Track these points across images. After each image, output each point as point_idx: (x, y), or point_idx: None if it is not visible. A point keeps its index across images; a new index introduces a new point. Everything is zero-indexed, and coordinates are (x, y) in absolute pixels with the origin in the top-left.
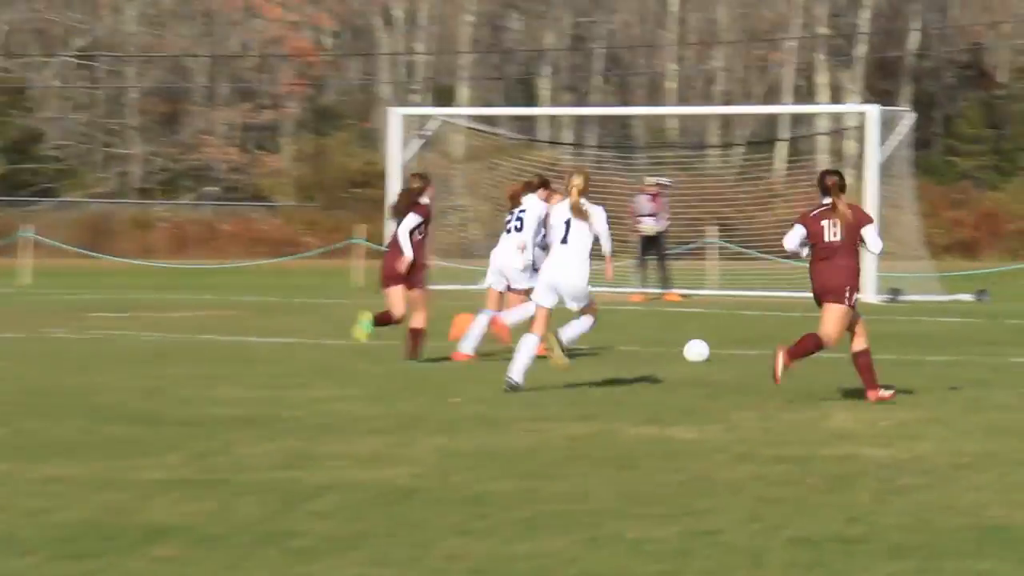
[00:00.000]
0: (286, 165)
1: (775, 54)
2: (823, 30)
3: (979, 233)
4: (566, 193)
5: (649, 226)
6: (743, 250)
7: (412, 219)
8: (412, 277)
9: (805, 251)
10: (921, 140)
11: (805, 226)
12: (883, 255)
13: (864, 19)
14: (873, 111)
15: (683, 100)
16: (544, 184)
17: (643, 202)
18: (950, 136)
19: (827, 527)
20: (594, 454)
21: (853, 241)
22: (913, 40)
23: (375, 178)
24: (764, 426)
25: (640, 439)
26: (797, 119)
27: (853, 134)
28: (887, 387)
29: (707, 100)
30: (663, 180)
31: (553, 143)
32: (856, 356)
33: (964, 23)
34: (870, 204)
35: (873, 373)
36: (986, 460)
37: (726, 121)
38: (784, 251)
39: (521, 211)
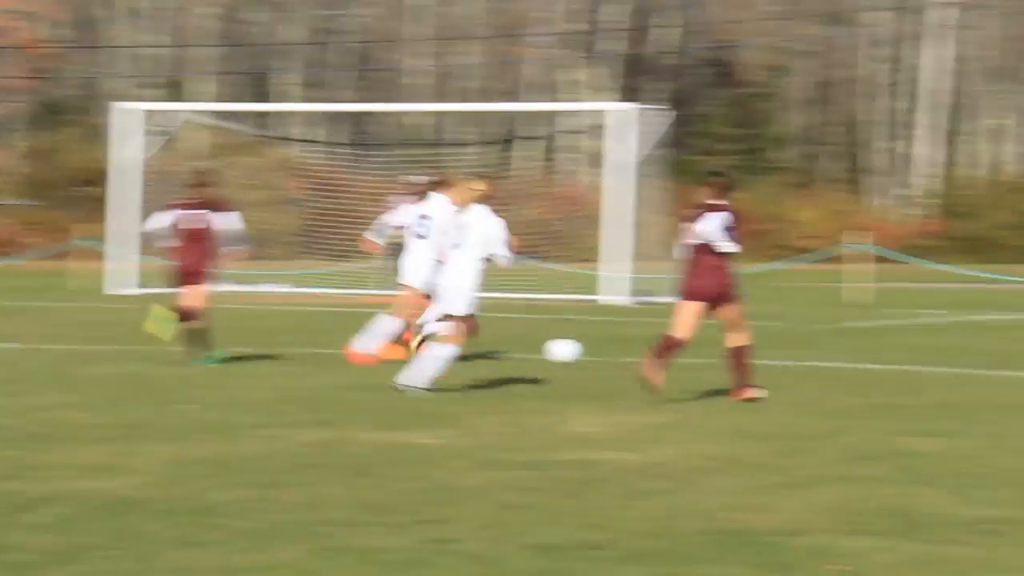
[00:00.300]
0: (15, 162)
1: (525, 50)
2: (575, 26)
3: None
4: (462, 198)
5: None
6: None
7: (223, 215)
8: (204, 274)
9: (684, 252)
10: (674, 139)
11: (684, 224)
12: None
13: (616, 16)
14: (625, 109)
15: (431, 96)
16: (451, 183)
17: (400, 202)
18: (702, 135)
19: (568, 533)
20: (329, 461)
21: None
22: (664, 37)
23: (101, 176)
24: (505, 431)
25: (377, 445)
26: (549, 116)
27: (605, 133)
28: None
29: (456, 97)
30: (422, 179)
31: (296, 140)
32: (731, 352)
33: (715, 21)
34: (623, 204)
35: (745, 371)
36: (727, 464)
37: (473, 118)
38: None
39: (426, 215)
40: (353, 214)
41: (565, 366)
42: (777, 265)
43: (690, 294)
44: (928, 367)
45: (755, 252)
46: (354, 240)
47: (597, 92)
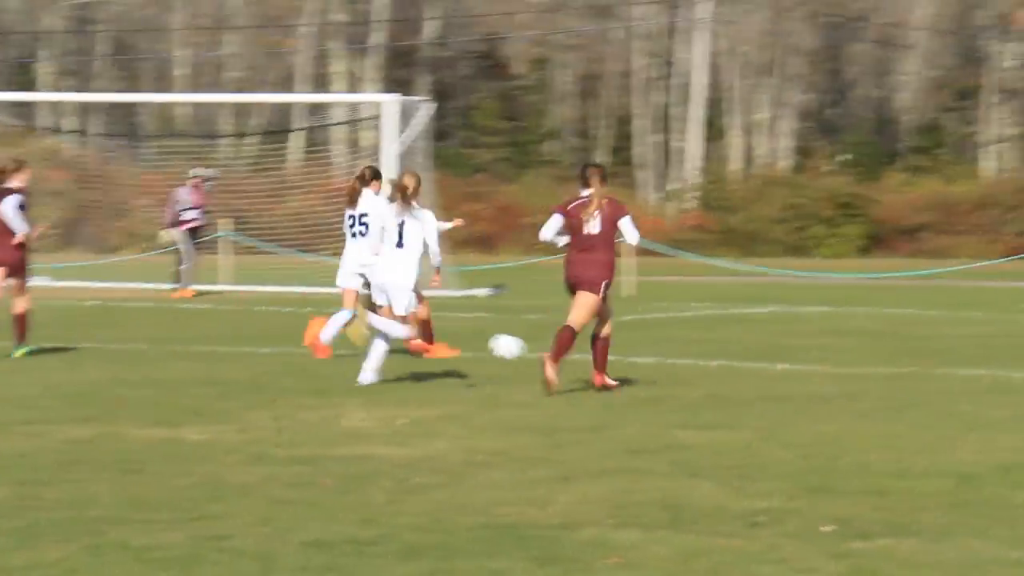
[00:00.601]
0: None
1: (289, 41)
2: (339, 17)
3: (497, 227)
4: (398, 194)
5: (193, 219)
6: (258, 244)
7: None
8: (19, 262)
9: (561, 241)
10: (439, 131)
11: (564, 216)
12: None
13: (381, 7)
14: (391, 101)
15: (193, 87)
16: (376, 176)
17: (184, 194)
18: (468, 128)
19: (340, 529)
20: (97, 458)
21: (610, 233)
22: (430, 29)
23: None
24: (277, 426)
25: (146, 441)
26: (313, 108)
27: (371, 124)
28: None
29: (219, 87)
30: (207, 172)
31: (55, 131)
32: (597, 339)
33: (480, 13)
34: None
35: (606, 359)
36: (501, 457)
37: (239, 109)
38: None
39: (363, 214)
40: (120, 206)
41: (331, 361)
42: (546, 258)
43: (580, 284)
44: (695, 360)
45: (523, 244)
46: (119, 232)
47: (364, 84)
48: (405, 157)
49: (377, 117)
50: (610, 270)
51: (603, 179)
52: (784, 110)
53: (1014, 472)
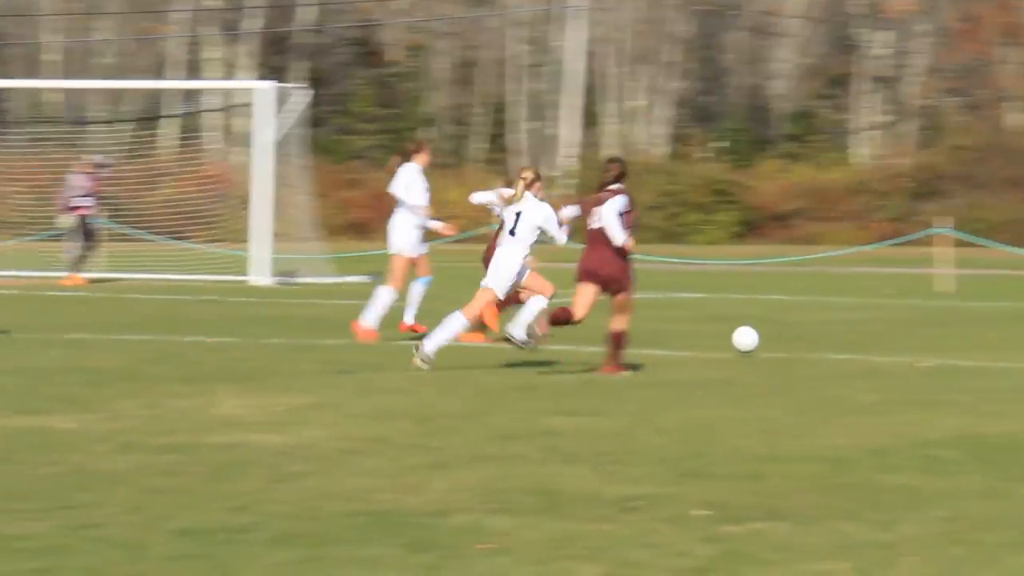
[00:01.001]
0: None
1: (163, 27)
2: (213, 3)
3: (372, 214)
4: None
5: (85, 206)
6: (131, 231)
7: None
8: None
9: (564, 231)
10: (315, 118)
11: (581, 208)
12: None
13: None
14: (266, 87)
15: (64, 73)
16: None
17: (78, 180)
18: (344, 114)
19: (213, 517)
20: None
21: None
22: (306, 15)
23: None
24: (150, 414)
25: (14, 430)
26: (187, 95)
27: (245, 111)
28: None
29: (90, 73)
30: (101, 158)
31: None
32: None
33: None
34: (263, 184)
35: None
36: (375, 445)
37: (112, 96)
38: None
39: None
40: None
41: (201, 347)
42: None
43: (587, 276)
44: (570, 346)
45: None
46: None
47: (238, 70)
48: (280, 144)
49: (252, 104)
50: (621, 264)
51: (620, 174)
52: (660, 97)
53: (883, 455)
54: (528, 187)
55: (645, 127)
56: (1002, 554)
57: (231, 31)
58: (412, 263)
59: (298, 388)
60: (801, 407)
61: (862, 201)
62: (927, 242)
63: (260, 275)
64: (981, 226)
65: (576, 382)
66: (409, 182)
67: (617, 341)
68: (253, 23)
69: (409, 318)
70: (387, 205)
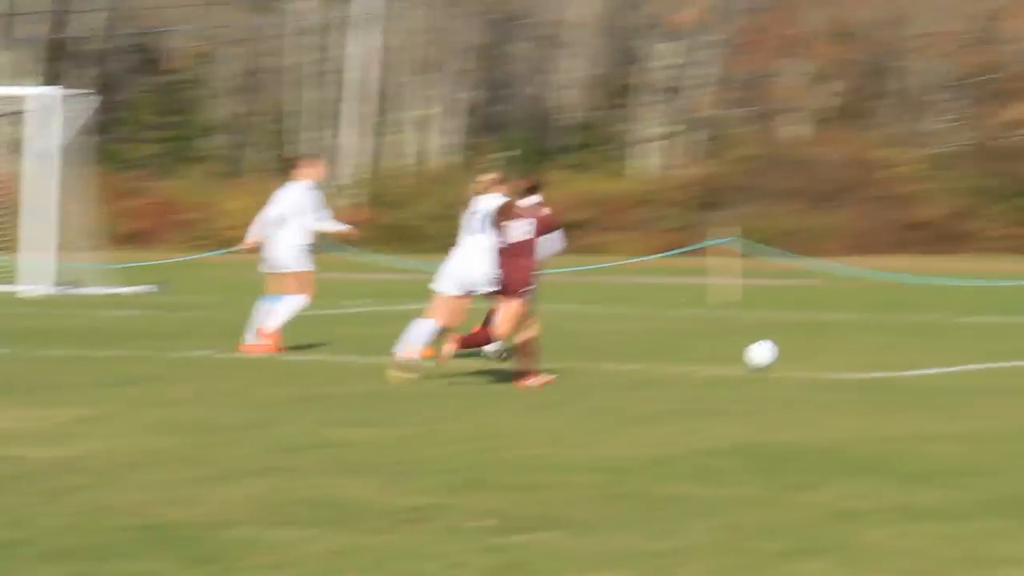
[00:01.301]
0: None
1: None
2: None
3: (156, 223)
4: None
5: None
6: None
7: None
8: None
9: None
10: (98, 125)
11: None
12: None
13: None
14: (49, 94)
15: None
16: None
17: None
18: (127, 122)
19: None
20: None
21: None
22: (90, 21)
23: None
24: None
25: None
26: None
27: (26, 118)
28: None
29: None
30: None
31: None
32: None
33: (141, 6)
34: (46, 192)
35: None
36: (152, 457)
37: None
38: None
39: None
40: None
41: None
42: (207, 255)
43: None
44: (351, 356)
45: (181, 242)
46: None
47: (17, 77)
48: (63, 152)
49: (34, 111)
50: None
51: (536, 186)
52: (451, 106)
53: (662, 465)
54: (487, 190)
55: (437, 136)
56: (779, 562)
57: (10, 38)
58: (295, 277)
59: (75, 400)
60: (583, 417)
61: (647, 211)
62: (715, 252)
63: (34, 285)
64: (765, 235)
65: (362, 392)
66: (297, 201)
67: (526, 349)
68: (33, 28)
69: (250, 336)
70: (169, 213)
